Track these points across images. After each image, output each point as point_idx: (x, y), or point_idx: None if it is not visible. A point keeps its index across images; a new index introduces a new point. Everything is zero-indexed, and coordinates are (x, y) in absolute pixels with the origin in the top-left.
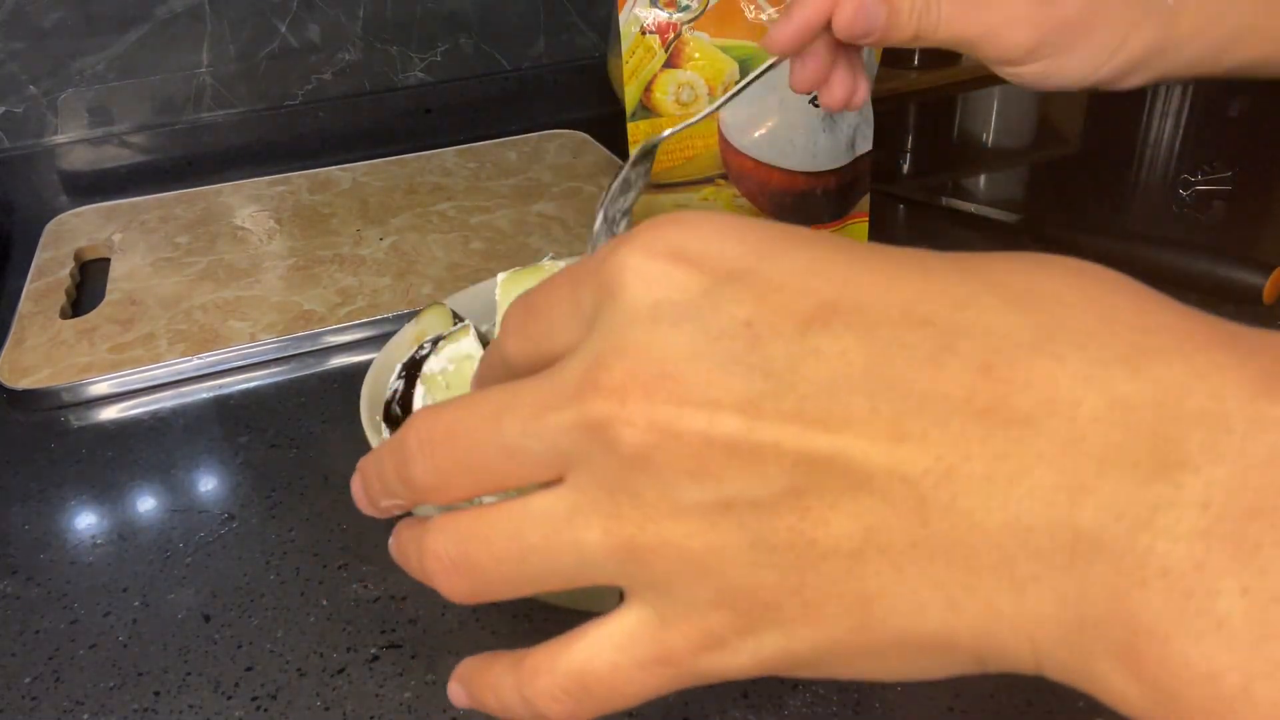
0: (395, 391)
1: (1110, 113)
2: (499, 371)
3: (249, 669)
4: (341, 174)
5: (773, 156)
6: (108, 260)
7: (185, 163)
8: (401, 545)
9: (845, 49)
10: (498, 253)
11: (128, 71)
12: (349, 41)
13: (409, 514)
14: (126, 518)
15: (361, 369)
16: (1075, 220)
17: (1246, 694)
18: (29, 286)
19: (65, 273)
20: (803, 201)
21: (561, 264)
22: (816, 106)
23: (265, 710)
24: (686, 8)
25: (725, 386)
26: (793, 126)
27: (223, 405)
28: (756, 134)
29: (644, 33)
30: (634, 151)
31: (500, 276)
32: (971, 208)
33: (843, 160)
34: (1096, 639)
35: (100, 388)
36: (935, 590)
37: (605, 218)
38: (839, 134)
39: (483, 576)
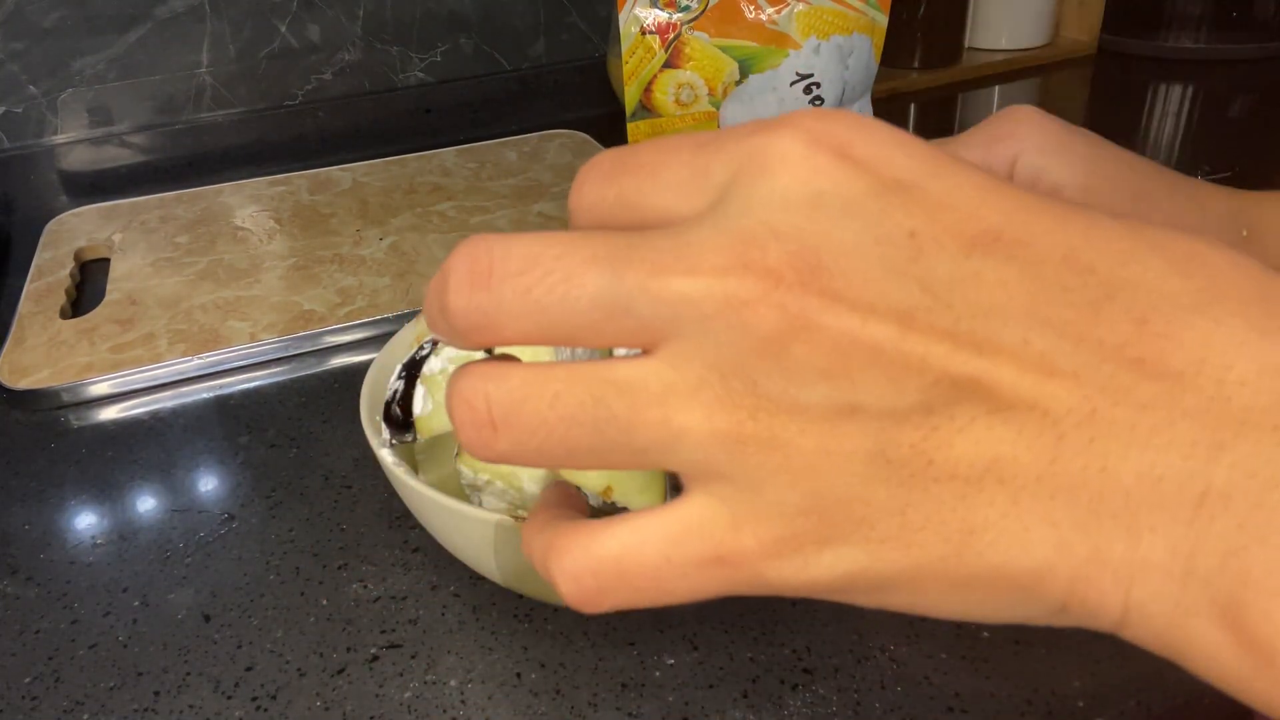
0: (395, 391)
1: (1111, 113)
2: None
3: (249, 669)
4: (341, 174)
5: None
6: (108, 260)
7: (185, 163)
8: (456, 386)
9: None
10: None
11: (128, 71)
12: (349, 41)
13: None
14: (126, 517)
15: (361, 369)
16: None
17: None
18: (29, 286)
19: (65, 273)
20: None
21: None
22: (815, 104)
23: (265, 710)
24: (686, 8)
25: (882, 291)
26: None
27: (223, 405)
28: None
29: (644, 33)
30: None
31: None
32: None
33: None
34: (1200, 593)
35: (100, 388)
36: (1048, 529)
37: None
38: None
39: (531, 437)
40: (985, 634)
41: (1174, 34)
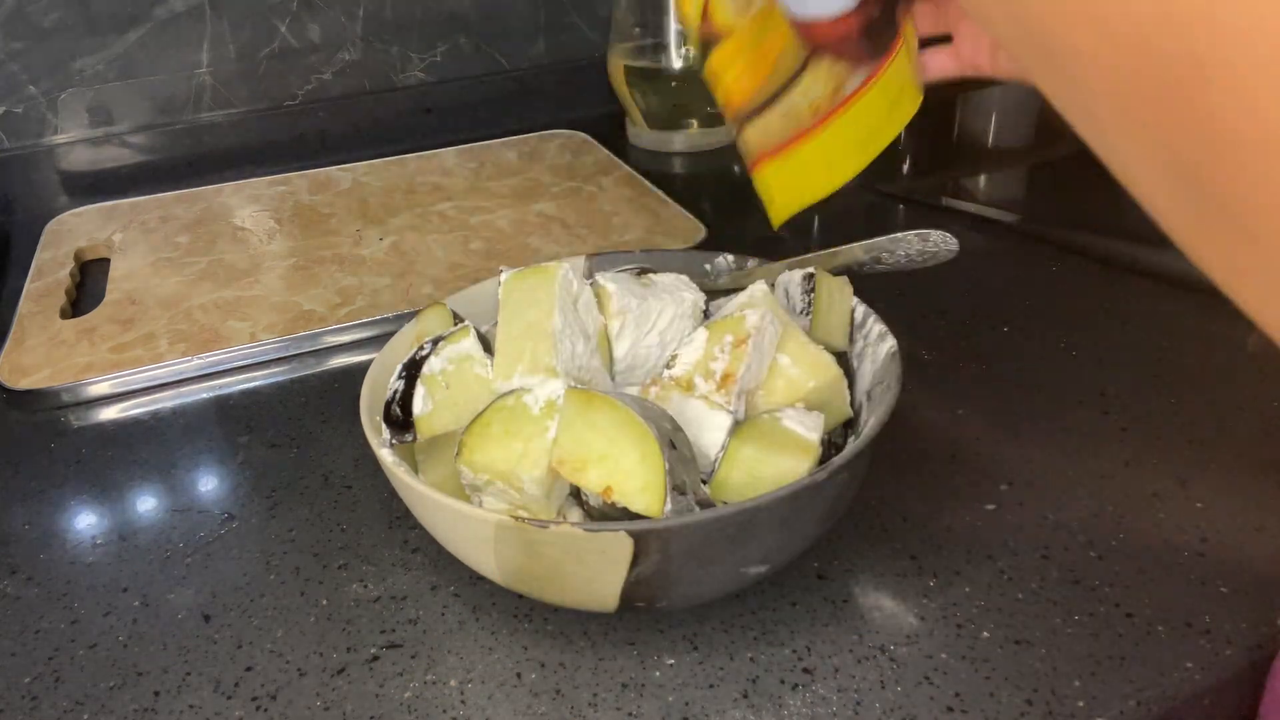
0: (395, 391)
1: None
2: None
3: (249, 669)
4: (341, 174)
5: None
6: (108, 260)
7: (185, 163)
8: None
9: None
10: (498, 253)
11: (128, 71)
12: (349, 41)
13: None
14: (126, 518)
15: (361, 369)
16: (1075, 220)
17: None
18: (29, 286)
19: (65, 273)
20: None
21: (566, 265)
22: None
23: (265, 710)
24: None
25: None
26: None
27: (223, 405)
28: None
29: None
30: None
31: (503, 275)
32: (971, 208)
33: None
34: None
35: (100, 388)
36: None
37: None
38: None
39: None
40: (985, 634)
41: None
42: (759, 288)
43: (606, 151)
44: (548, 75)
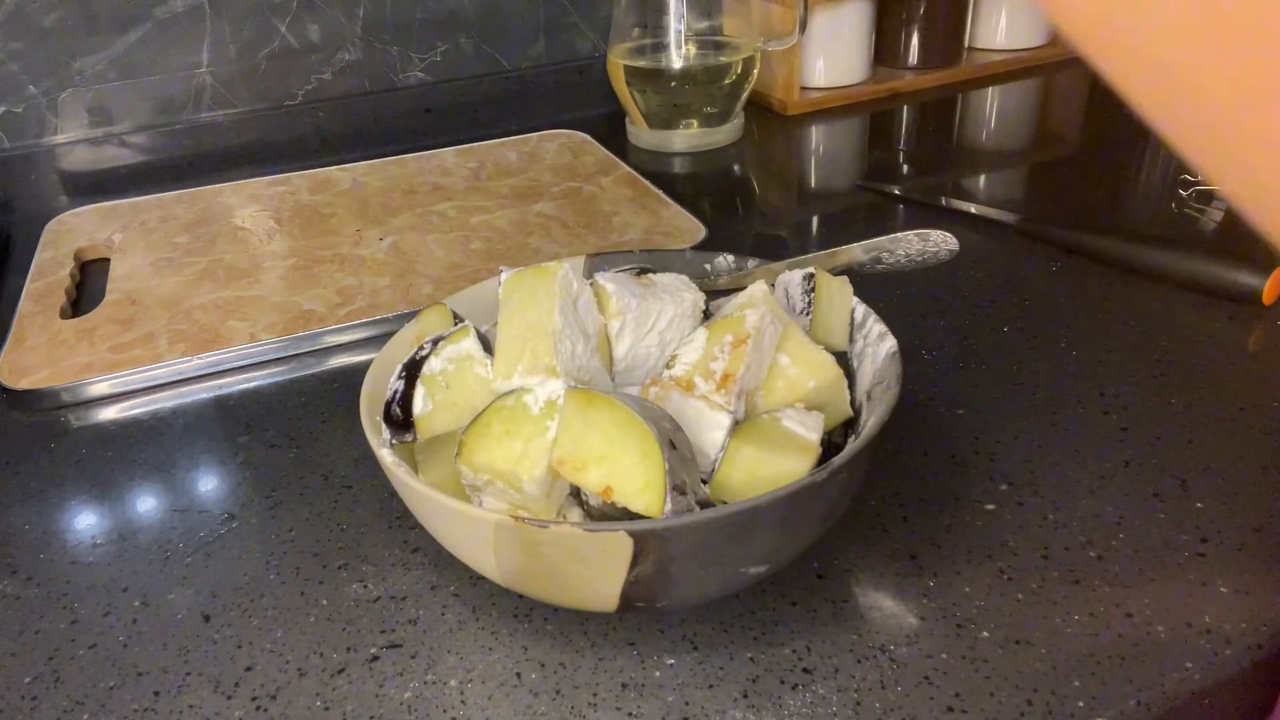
0: (395, 391)
1: (1110, 113)
2: None
3: (249, 669)
4: (341, 174)
5: None
6: (108, 260)
7: (185, 163)
8: None
9: None
10: (498, 253)
11: (128, 71)
12: (349, 41)
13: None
14: (126, 518)
15: (361, 369)
16: (1075, 220)
17: None
18: (29, 286)
19: (65, 273)
20: None
21: (566, 265)
22: None
23: (265, 710)
24: None
25: None
26: None
27: (223, 405)
28: None
29: None
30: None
31: (503, 275)
32: (971, 208)
33: None
34: None
35: (100, 388)
36: None
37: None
38: None
39: None
40: (985, 634)
41: None
42: (759, 288)
43: (606, 151)
44: (548, 75)
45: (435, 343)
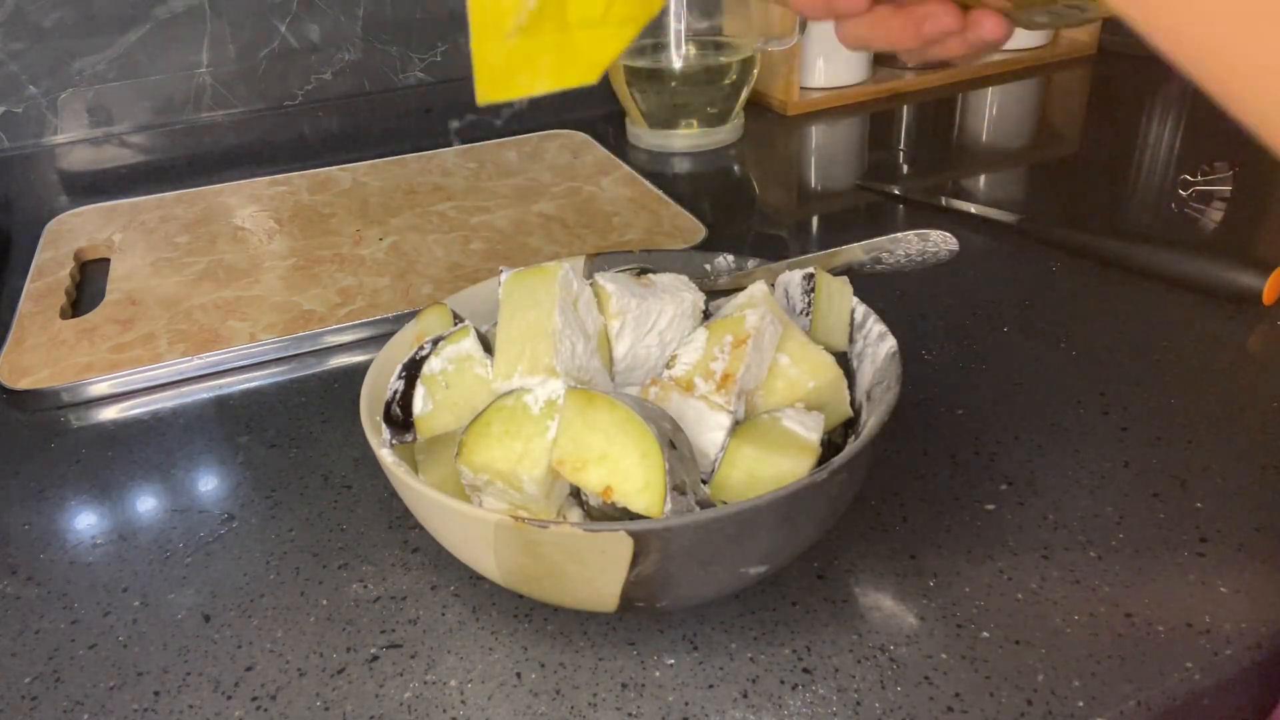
0: (395, 391)
1: (1110, 113)
2: None
3: (249, 669)
4: (341, 174)
5: None
6: (108, 260)
7: (185, 163)
8: None
9: None
10: (498, 253)
11: (128, 71)
12: (349, 41)
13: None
14: (126, 518)
15: (361, 369)
16: (1075, 220)
17: None
18: (29, 286)
19: (65, 273)
20: None
21: (566, 265)
22: None
23: (265, 710)
24: None
25: None
26: None
27: (223, 405)
28: None
29: None
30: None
31: (503, 276)
32: (971, 208)
33: None
34: None
35: (100, 388)
36: None
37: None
38: None
39: None
40: (985, 634)
41: None
42: (759, 288)
43: (606, 151)
44: None
45: (435, 343)
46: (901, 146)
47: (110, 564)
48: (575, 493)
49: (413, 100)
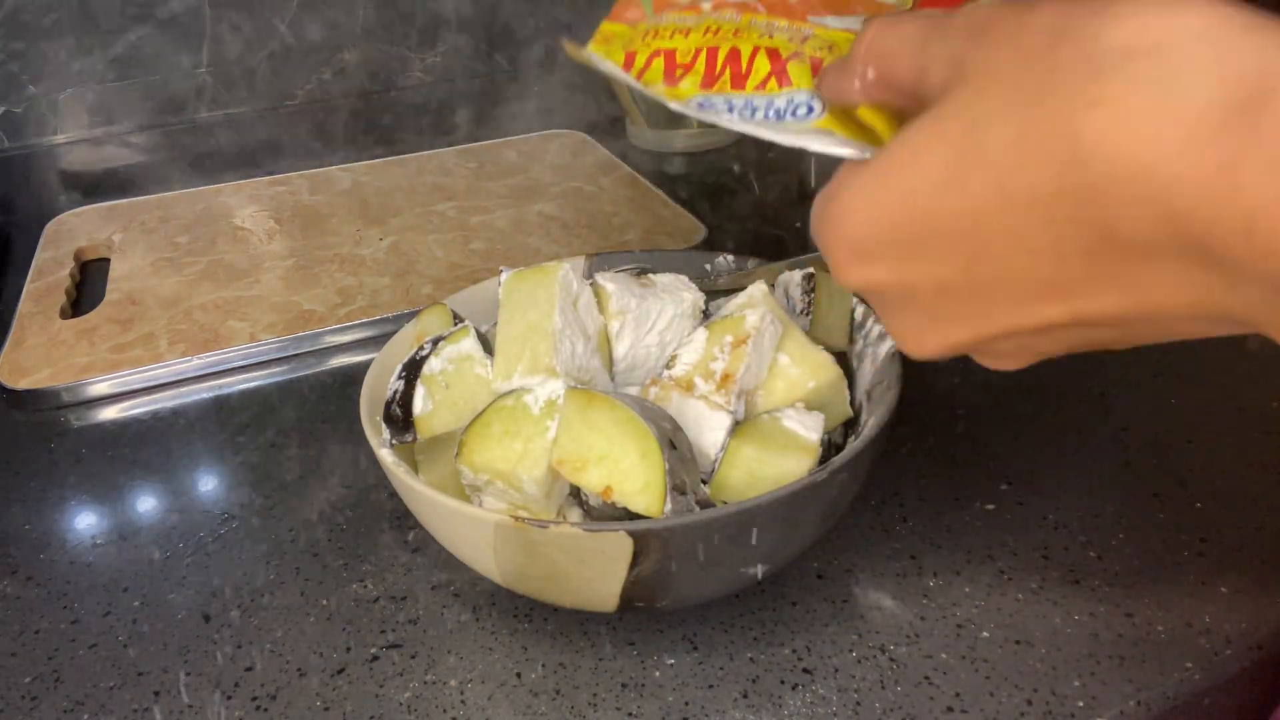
0: (395, 391)
1: None
2: None
3: (249, 669)
4: (341, 174)
5: None
6: (108, 260)
7: (185, 163)
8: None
9: None
10: (498, 253)
11: (128, 71)
12: (349, 41)
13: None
14: (126, 518)
15: (361, 369)
16: None
17: None
18: (29, 286)
19: (65, 273)
20: None
21: (566, 265)
22: None
23: (265, 710)
24: None
25: None
26: None
27: (223, 405)
28: None
29: None
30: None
31: (503, 276)
32: None
33: None
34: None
35: (100, 388)
36: None
37: None
38: None
39: None
40: (985, 634)
41: None
42: (759, 288)
43: (606, 151)
44: (548, 75)
45: (435, 343)
46: None
47: (110, 564)
48: (575, 493)
49: (413, 100)
